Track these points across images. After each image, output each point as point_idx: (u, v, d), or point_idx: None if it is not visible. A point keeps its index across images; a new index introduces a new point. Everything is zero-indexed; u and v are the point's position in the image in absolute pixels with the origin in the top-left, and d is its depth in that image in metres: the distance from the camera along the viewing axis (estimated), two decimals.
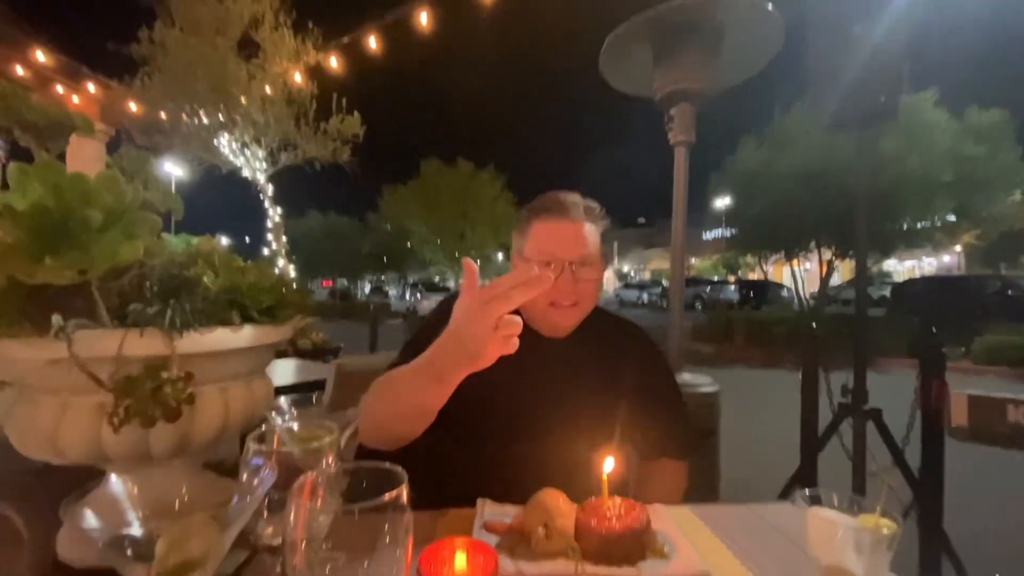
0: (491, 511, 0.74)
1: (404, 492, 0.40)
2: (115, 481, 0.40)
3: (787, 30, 2.17)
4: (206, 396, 1.05)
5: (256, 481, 0.43)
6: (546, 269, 1.01)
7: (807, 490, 0.59)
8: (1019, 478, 2.90)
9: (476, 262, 0.79)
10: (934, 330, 1.75)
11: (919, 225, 11.93)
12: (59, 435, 0.97)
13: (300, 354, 3.79)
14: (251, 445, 0.51)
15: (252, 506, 0.42)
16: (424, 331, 1.08)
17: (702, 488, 2.17)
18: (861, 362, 1.90)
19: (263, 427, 0.56)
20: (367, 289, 36.16)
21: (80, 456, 1.00)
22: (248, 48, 5.26)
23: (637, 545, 0.62)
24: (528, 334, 1.02)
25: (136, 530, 0.37)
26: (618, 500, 0.67)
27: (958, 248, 17.77)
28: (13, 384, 1.07)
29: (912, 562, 1.80)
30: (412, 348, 0.94)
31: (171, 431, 0.99)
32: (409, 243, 28.01)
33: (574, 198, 1.11)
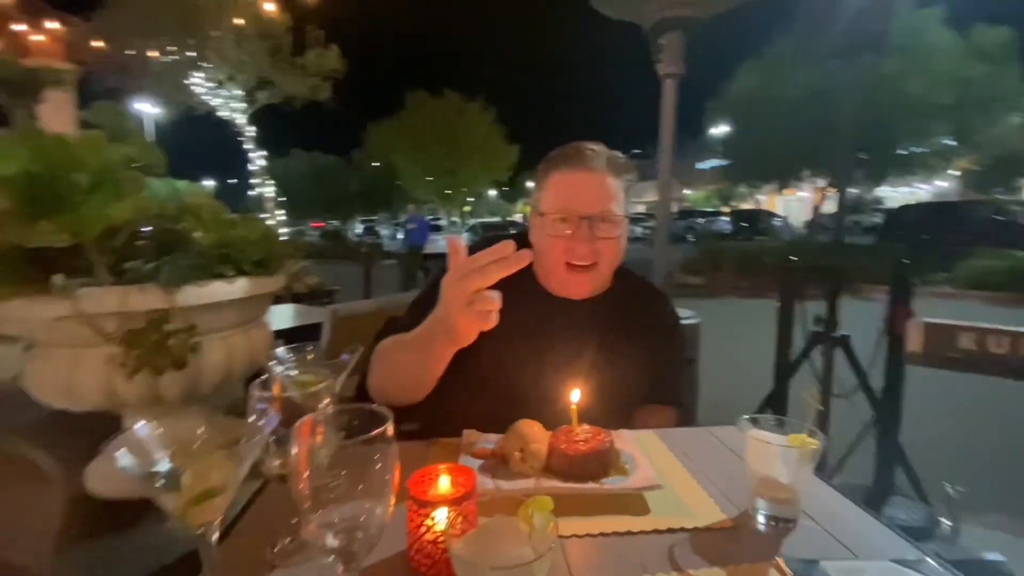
0: (475, 437, 0.82)
1: (390, 428, 0.47)
2: (143, 425, 0.46)
3: None
4: (208, 345, 1.13)
5: (262, 421, 0.50)
6: (562, 225, 0.96)
7: (745, 416, 0.68)
8: (967, 399, 3.17)
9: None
10: (904, 260, 1.82)
11: (914, 150, 11.78)
12: (75, 384, 1.05)
13: (296, 298, 3.86)
14: (255, 392, 0.58)
15: (260, 443, 0.49)
16: (427, 294, 1.00)
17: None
18: (833, 291, 1.99)
19: (265, 375, 0.62)
20: (359, 230, 35.78)
21: (96, 403, 1.09)
22: None
23: (601, 464, 0.72)
24: (538, 295, 1.04)
25: (164, 466, 0.44)
26: (586, 426, 0.76)
27: (955, 173, 17.63)
28: (24, 339, 1.13)
29: (870, 472, 1.98)
30: (417, 310, 0.91)
31: (179, 377, 1.07)
32: (398, 181, 27.35)
33: (596, 147, 1.01)
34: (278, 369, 0.68)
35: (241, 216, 1.24)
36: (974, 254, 8.44)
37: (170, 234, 1.14)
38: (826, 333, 2.00)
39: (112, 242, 1.03)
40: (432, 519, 0.54)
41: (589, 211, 0.95)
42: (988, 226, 11.60)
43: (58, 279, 0.94)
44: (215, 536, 0.47)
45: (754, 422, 0.68)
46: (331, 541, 0.44)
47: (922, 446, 2.02)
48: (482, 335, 0.77)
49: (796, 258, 2.43)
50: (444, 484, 0.59)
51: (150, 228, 1.09)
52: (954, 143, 12.05)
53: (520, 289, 0.92)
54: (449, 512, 0.53)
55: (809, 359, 2.08)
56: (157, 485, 0.43)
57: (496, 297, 0.68)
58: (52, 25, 4.58)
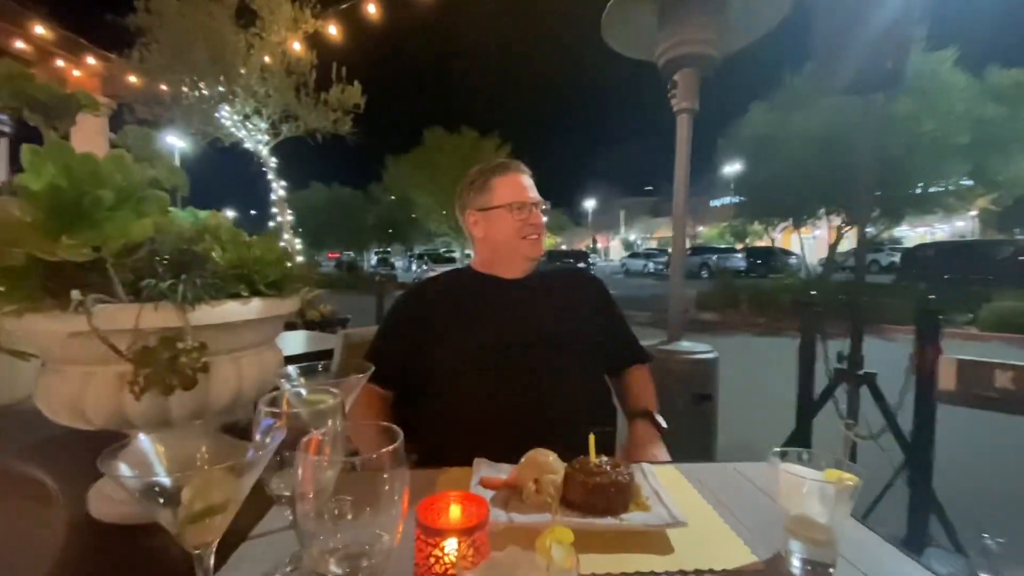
0: (487, 468, 0.79)
1: (400, 447, 0.44)
2: (144, 439, 0.45)
3: None
4: (219, 365, 1.11)
5: (267, 438, 0.48)
6: (519, 211, 1.29)
7: (777, 448, 0.63)
8: (1006, 441, 2.97)
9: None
10: (931, 296, 1.76)
11: (932, 190, 11.69)
12: (85, 403, 1.03)
13: (309, 325, 3.87)
14: (262, 408, 0.56)
15: (265, 458, 0.46)
16: (389, 327, 1.32)
17: (697, 449, 2.25)
18: (857, 328, 1.93)
19: (274, 392, 0.61)
20: (373, 261, 36.30)
21: (105, 422, 1.07)
22: (245, 16, 5.14)
23: (620, 497, 0.68)
24: (491, 281, 1.33)
25: (164, 480, 0.42)
26: (604, 457, 0.72)
27: (972, 213, 17.43)
28: (39, 355, 1.13)
29: (902, 520, 1.87)
30: (382, 344, 1.27)
31: (188, 398, 1.05)
32: (413, 214, 27.84)
33: (510, 159, 1.39)
34: (287, 387, 0.66)
35: (259, 236, 1.25)
36: (996, 294, 8.24)
37: (188, 254, 1.14)
38: (851, 371, 1.93)
39: (131, 259, 1.03)
40: (442, 549, 0.50)
41: (534, 198, 1.33)
42: (1010, 266, 11.36)
43: (76, 294, 0.94)
44: (211, 558, 0.44)
45: (784, 455, 0.64)
46: (334, 568, 0.41)
47: (956, 492, 1.90)
48: (447, 332, 1.21)
49: (815, 292, 2.38)
50: (455, 513, 0.55)
51: (167, 246, 1.10)
52: (972, 183, 11.96)
53: (460, 282, 1.36)
54: (460, 542, 0.50)
55: (833, 398, 2.00)
56: (156, 500, 0.41)
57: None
58: (91, 61, 4.83)
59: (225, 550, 0.67)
